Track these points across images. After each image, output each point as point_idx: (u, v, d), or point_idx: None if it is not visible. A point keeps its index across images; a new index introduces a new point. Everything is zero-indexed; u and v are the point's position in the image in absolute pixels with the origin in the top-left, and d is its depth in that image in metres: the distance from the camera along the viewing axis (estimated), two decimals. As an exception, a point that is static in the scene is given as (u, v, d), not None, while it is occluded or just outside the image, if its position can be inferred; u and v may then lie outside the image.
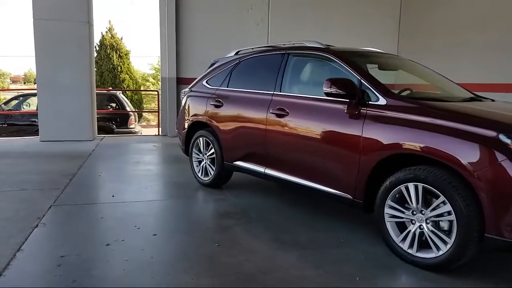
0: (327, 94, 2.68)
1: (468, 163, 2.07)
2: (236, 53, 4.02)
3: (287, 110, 3.08)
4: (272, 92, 3.29)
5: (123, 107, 9.40)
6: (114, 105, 9.35)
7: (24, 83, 43.22)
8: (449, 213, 2.16)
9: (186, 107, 4.28)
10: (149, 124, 17.48)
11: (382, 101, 2.55)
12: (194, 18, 7.79)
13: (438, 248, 2.22)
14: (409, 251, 2.34)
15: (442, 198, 2.17)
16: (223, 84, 3.89)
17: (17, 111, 9.03)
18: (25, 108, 9.18)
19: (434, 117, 2.28)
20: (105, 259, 2.32)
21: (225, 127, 3.67)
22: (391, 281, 2.22)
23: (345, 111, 2.67)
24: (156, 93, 18.29)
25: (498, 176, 1.99)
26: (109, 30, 17.16)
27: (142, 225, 2.90)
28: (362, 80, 2.70)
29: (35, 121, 7.96)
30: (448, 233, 2.19)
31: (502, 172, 1.98)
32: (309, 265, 2.30)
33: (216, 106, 3.79)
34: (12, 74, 49.00)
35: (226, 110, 3.69)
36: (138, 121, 12.03)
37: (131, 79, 17.02)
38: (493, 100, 3.13)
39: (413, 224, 2.34)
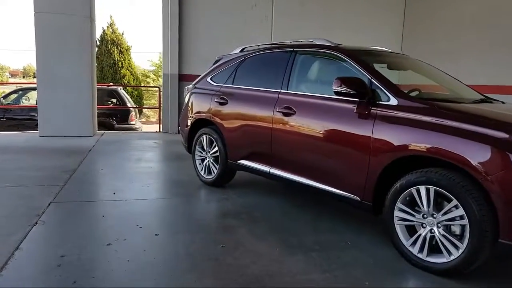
0: (337, 93, 2.61)
1: (483, 166, 2.00)
2: (242, 50, 3.94)
3: (294, 109, 3.01)
4: (278, 90, 3.22)
5: (124, 103, 9.32)
6: (114, 100, 9.26)
7: (23, 77, 43.01)
8: (461, 217, 2.10)
9: (190, 104, 4.21)
10: (148, 120, 17.41)
11: (393, 101, 2.48)
12: (197, 15, 7.71)
13: (449, 253, 2.16)
14: (419, 255, 2.28)
15: (454, 202, 2.11)
16: (228, 81, 3.82)
17: (16, 105, 8.94)
18: (24, 102, 9.09)
19: (447, 119, 2.22)
20: (106, 260, 2.26)
21: (230, 125, 3.60)
22: (401, 286, 2.16)
23: (355, 110, 2.60)
24: (156, 89, 18.29)
25: (512, 180, 1.93)
26: (110, 25, 17.06)
27: (144, 224, 2.84)
28: (372, 79, 2.63)
29: (34, 116, 7.88)
30: (460, 237, 2.13)
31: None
32: (317, 269, 2.24)
33: (221, 104, 3.72)
34: (11, 68, 48.78)
35: (231, 108, 3.62)
36: (138, 117, 11.93)
37: (131, 75, 16.93)
38: (503, 102, 3.07)
39: (423, 228, 2.27)
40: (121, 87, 10.56)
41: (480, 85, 5.55)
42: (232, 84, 3.76)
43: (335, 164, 2.73)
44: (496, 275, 2.31)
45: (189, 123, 4.17)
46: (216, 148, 3.79)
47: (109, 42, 16.67)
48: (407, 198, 2.33)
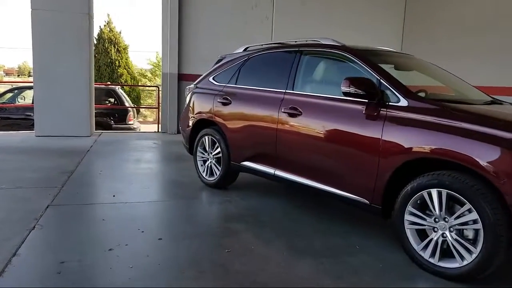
0: (345, 93, 2.55)
1: (498, 169, 1.95)
2: (245, 50, 3.86)
3: (300, 110, 2.94)
4: (284, 91, 3.15)
5: (122, 103, 9.21)
6: (112, 100, 9.14)
7: (18, 75, 42.63)
8: (474, 221, 2.05)
9: (191, 104, 4.13)
10: (145, 120, 17.27)
11: (403, 102, 2.42)
12: (197, 14, 7.62)
13: (462, 258, 2.10)
14: (431, 260, 2.22)
15: (468, 205, 2.05)
16: (231, 81, 3.74)
17: (12, 104, 8.80)
18: (20, 102, 8.94)
19: (460, 121, 2.16)
20: (108, 266, 2.17)
21: (233, 126, 3.53)
22: (413, 293, 2.10)
23: (364, 112, 2.53)
24: (153, 88, 18.15)
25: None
26: (107, 23, 16.90)
27: (146, 228, 2.76)
28: (381, 80, 2.57)
29: (30, 115, 7.75)
30: (473, 242, 2.07)
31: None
32: (327, 275, 2.17)
33: (224, 104, 3.64)
34: (6, 66, 48.33)
35: (234, 108, 3.54)
36: (136, 117, 11.81)
37: (129, 74, 16.79)
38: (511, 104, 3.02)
39: (435, 232, 2.22)
40: (119, 86, 10.44)
41: (479, 86, 5.52)
42: (236, 84, 3.69)
43: (343, 166, 2.67)
44: (511, 280, 2.25)
45: (190, 124, 4.09)
46: (219, 149, 3.71)
47: (106, 40, 16.50)
48: (418, 202, 2.27)
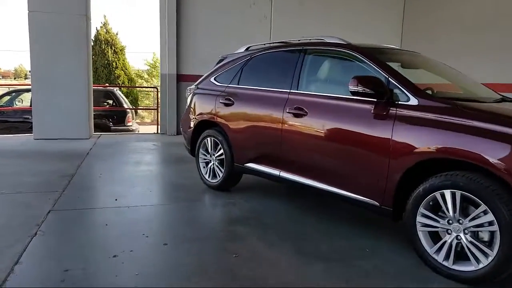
0: (353, 93, 2.49)
1: (514, 168, 1.89)
2: (247, 49, 3.80)
3: (305, 110, 2.88)
4: (288, 90, 3.09)
5: (120, 104, 9.12)
6: (111, 102, 9.06)
7: (15, 78, 42.38)
8: (490, 223, 1.99)
9: (192, 105, 4.06)
10: (143, 121, 17.17)
11: (413, 101, 2.37)
12: (195, 13, 7.54)
13: (477, 261, 2.04)
14: (445, 263, 2.16)
15: (483, 207, 2.00)
16: (233, 81, 3.68)
17: (9, 108, 8.70)
18: (17, 104, 8.84)
19: (473, 119, 2.10)
20: (113, 274, 2.10)
21: (236, 127, 3.46)
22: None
23: (372, 111, 2.48)
24: (150, 89, 18.03)
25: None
26: (104, 25, 16.80)
27: (150, 233, 2.69)
28: (390, 78, 2.51)
29: (28, 118, 7.66)
30: (489, 244, 2.02)
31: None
32: (339, 280, 2.11)
33: (226, 105, 3.57)
34: (2, 69, 48.05)
35: (237, 109, 3.48)
36: (134, 118, 11.72)
37: (126, 75, 16.70)
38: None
39: (449, 234, 2.16)
40: (117, 88, 10.35)
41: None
42: (238, 84, 3.62)
43: (351, 167, 2.61)
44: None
45: (192, 125, 4.02)
46: (221, 151, 3.65)
47: (103, 42, 16.40)
48: (431, 203, 2.22)
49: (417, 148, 2.24)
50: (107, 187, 3.91)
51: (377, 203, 2.47)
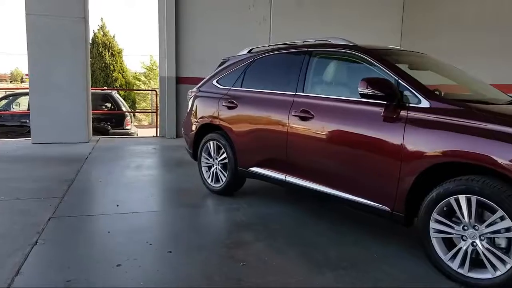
0: (363, 95, 2.43)
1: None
2: (249, 51, 3.74)
3: (312, 113, 2.82)
4: (293, 93, 3.02)
5: (119, 107, 9.03)
6: (109, 105, 8.97)
7: (11, 81, 42.12)
8: (507, 229, 1.93)
9: (194, 108, 3.99)
10: (140, 124, 17.06)
11: (424, 103, 2.31)
12: (194, 16, 7.48)
13: (495, 268, 1.98)
14: (460, 270, 2.10)
15: (500, 212, 1.94)
16: (236, 84, 3.61)
17: (7, 111, 8.59)
18: (15, 108, 8.74)
19: (488, 122, 2.04)
20: (117, 284, 2.03)
21: (240, 130, 3.39)
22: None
23: (382, 114, 2.41)
24: (148, 92, 17.95)
25: None
26: (101, 27, 16.72)
27: (154, 240, 2.61)
28: (400, 80, 2.45)
29: (26, 122, 7.56)
30: (507, 251, 1.96)
31: None
32: (351, 289, 2.04)
33: (229, 108, 3.50)
34: (-2, 72, 47.70)
35: (241, 112, 3.41)
36: (133, 121, 11.62)
37: (123, 78, 16.61)
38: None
39: (464, 240, 2.10)
40: (115, 91, 10.26)
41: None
42: (241, 87, 3.55)
43: (360, 171, 2.55)
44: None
45: (194, 128, 3.95)
46: (225, 155, 3.58)
47: (100, 45, 16.32)
48: (445, 209, 2.15)
49: (430, 151, 2.18)
50: (107, 193, 3.83)
51: (388, 209, 2.40)
